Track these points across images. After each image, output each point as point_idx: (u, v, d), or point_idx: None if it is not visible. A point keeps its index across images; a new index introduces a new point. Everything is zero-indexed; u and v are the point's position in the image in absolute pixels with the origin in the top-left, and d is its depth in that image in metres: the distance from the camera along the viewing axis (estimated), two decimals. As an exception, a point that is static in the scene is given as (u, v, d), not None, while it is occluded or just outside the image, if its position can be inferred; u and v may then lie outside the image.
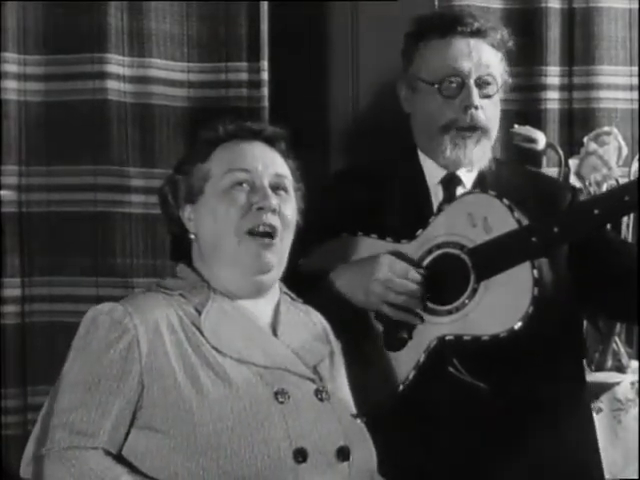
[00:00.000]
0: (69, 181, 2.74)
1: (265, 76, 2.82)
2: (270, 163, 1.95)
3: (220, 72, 2.83)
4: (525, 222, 2.16)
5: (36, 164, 2.73)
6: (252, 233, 1.89)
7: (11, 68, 2.69)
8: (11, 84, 2.69)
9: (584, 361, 2.55)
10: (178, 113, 2.81)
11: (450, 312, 2.15)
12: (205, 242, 1.94)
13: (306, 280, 2.19)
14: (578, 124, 3.04)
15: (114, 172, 2.74)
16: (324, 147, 3.03)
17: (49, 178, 2.74)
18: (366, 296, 2.18)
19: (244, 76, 2.83)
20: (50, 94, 2.74)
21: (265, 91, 2.82)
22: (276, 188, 1.94)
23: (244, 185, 1.92)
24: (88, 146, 2.73)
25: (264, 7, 2.84)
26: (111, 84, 2.73)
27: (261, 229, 1.89)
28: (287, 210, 1.94)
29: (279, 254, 1.92)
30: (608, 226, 2.78)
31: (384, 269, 2.16)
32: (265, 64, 2.82)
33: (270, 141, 1.99)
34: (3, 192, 2.68)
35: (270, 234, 1.90)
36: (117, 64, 2.74)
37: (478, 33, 2.29)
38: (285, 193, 1.95)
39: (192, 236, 1.96)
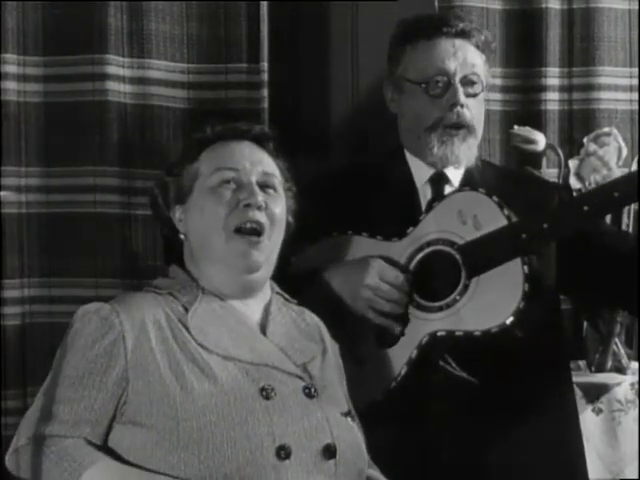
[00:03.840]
0: (69, 182, 2.73)
1: (265, 77, 2.82)
2: (258, 161, 1.96)
3: (220, 73, 2.83)
4: (515, 219, 2.17)
5: (36, 165, 2.73)
6: (239, 231, 1.90)
7: (11, 69, 2.68)
8: (11, 85, 2.68)
9: (570, 361, 2.57)
10: (178, 114, 2.80)
11: (441, 308, 2.18)
12: (194, 240, 1.95)
13: (297, 279, 2.20)
14: (578, 125, 3.05)
15: (114, 173, 2.73)
16: (324, 147, 3.03)
17: (49, 179, 2.74)
18: (353, 300, 2.20)
19: (244, 77, 2.82)
20: (50, 95, 2.73)
21: (265, 92, 2.82)
22: (264, 186, 1.94)
23: (231, 183, 1.93)
24: (88, 147, 2.73)
25: (264, 7, 2.84)
26: (111, 85, 2.72)
27: (248, 226, 1.90)
28: (276, 208, 1.94)
29: (267, 253, 1.92)
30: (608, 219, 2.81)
31: (374, 275, 2.18)
32: (265, 65, 2.82)
33: (258, 140, 2.00)
34: (3, 193, 2.68)
35: (257, 231, 1.90)
36: (117, 65, 2.73)
37: (462, 34, 2.33)
38: (274, 191, 1.96)
39: (182, 236, 1.97)
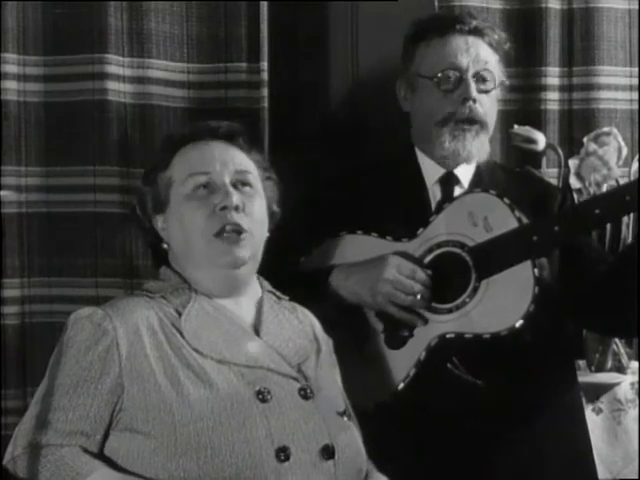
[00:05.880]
0: (69, 182, 2.73)
1: (265, 77, 2.82)
2: (229, 161, 1.95)
3: (220, 73, 2.83)
4: (525, 221, 2.17)
5: (36, 165, 2.73)
6: (219, 235, 1.89)
7: (11, 69, 2.68)
8: (11, 85, 2.68)
9: (576, 362, 2.57)
10: (178, 114, 2.80)
11: (451, 310, 2.17)
12: (177, 248, 1.94)
13: (307, 279, 2.20)
14: (578, 125, 3.05)
15: (114, 173, 2.73)
16: (324, 147, 3.03)
17: (49, 179, 2.74)
18: (373, 296, 2.19)
19: (244, 77, 2.82)
20: (50, 95, 2.73)
21: (265, 92, 2.82)
22: (239, 185, 1.93)
23: (205, 187, 1.91)
24: (88, 147, 2.72)
25: (264, 7, 2.84)
26: (111, 85, 2.72)
27: (227, 228, 1.88)
28: (254, 206, 1.93)
29: (251, 248, 1.91)
30: (608, 227, 2.80)
31: (392, 270, 2.17)
32: (265, 65, 2.82)
33: (228, 138, 1.98)
34: (3, 193, 2.68)
35: (238, 232, 1.89)
36: (117, 64, 2.73)
37: (476, 31, 2.34)
38: (250, 188, 1.94)
39: (165, 246, 1.96)
